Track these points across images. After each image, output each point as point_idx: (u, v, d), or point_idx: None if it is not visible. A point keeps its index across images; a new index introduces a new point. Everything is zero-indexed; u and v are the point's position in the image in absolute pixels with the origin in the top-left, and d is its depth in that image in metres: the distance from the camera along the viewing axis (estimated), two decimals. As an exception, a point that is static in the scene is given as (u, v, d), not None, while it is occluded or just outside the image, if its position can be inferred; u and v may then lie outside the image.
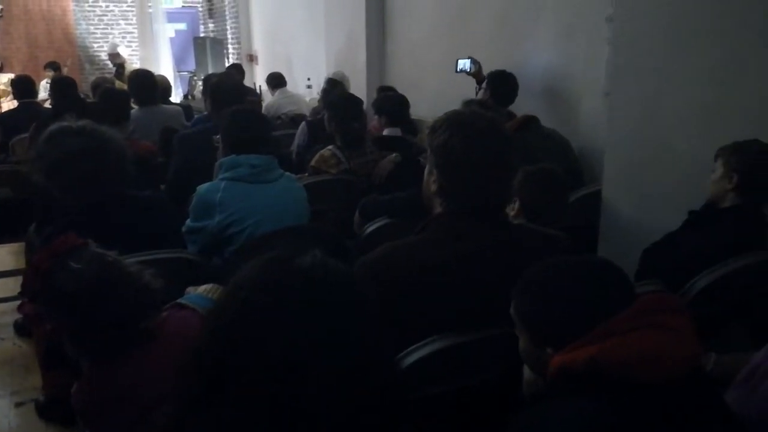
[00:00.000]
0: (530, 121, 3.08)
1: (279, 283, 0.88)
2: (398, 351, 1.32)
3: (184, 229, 2.33)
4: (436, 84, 4.73)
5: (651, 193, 2.51)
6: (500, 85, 3.47)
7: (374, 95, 5.05)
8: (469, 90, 3.92)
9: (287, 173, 2.53)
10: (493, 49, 4.06)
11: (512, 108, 3.58)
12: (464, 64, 3.87)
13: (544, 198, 2.00)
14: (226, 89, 3.43)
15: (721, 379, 1.26)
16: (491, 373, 1.38)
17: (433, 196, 1.46)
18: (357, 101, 3.41)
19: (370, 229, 2.37)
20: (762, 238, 2.00)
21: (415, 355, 1.30)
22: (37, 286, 1.30)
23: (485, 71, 3.81)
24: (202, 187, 2.39)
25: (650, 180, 2.51)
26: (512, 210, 1.96)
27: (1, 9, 8.08)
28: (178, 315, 1.45)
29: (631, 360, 0.95)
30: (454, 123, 1.42)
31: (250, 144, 2.41)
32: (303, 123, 4.33)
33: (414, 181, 2.80)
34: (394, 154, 3.17)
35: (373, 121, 4.07)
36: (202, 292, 1.54)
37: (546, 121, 3.23)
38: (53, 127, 1.96)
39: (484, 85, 3.55)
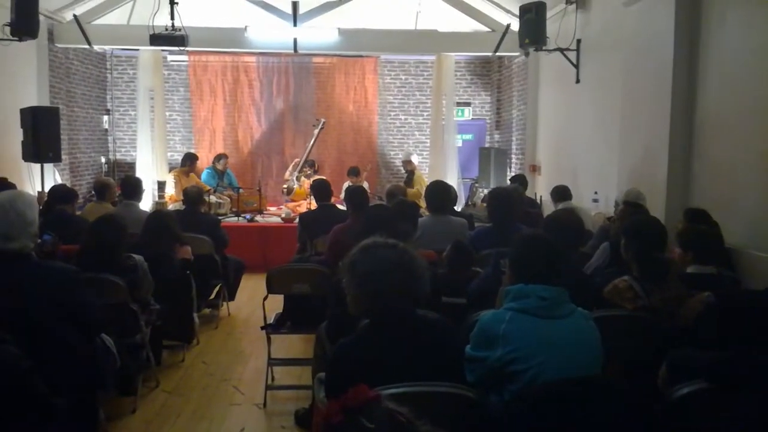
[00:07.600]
0: None
1: None
2: None
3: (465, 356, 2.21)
4: (755, 209, 4.04)
5: None
6: None
7: (673, 217, 4.52)
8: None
9: (580, 309, 2.27)
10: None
11: None
12: (801, 189, 3.22)
13: None
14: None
15: None
16: None
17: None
18: (661, 228, 3.05)
19: (683, 392, 1.94)
20: None
21: None
22: None
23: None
24: (486, 315, 2.27)
25: None
26: None
27: (324, 122, 9.44)
28: None
29: None
30: None
31: (540, 274, 2.24)
32: (606, 243, 3.97)
33: (737, 334, 2.32)
34: (706, 294, 2.71)
35: (673, 250, 3.59)
36: None
37: None
38: (368, 240, 2.14)
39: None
